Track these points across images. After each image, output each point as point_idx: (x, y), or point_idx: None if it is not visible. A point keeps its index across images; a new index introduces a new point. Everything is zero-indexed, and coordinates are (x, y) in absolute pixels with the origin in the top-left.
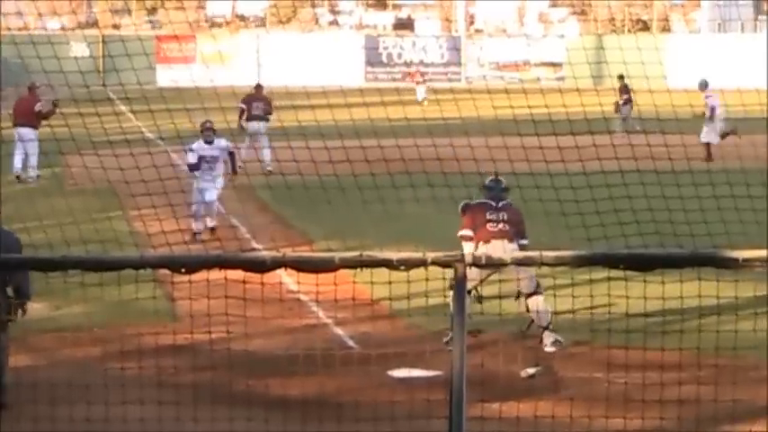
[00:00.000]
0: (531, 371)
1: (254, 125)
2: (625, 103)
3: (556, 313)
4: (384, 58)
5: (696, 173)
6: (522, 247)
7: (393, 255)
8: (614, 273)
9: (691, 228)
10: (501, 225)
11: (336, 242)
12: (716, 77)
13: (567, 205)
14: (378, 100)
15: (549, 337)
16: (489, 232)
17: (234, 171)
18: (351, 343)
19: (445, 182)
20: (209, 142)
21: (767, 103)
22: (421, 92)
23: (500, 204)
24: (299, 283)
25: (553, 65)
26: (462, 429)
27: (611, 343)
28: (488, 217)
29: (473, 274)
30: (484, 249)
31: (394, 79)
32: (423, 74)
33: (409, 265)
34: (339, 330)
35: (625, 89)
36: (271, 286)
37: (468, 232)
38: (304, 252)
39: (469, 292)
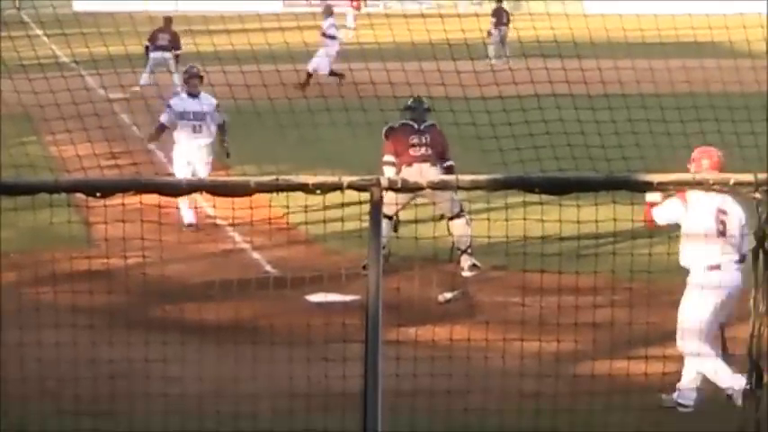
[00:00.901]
0: (448, 295)
1: (158, 55)
2: (497, 26)
3: (471, 237)
4: None
5: (611, 97)
6: (446, 169)
7: (309, 179)
8: (530, 197)
9: (605, 152)
10: (424, 149)
11: (252, 167)
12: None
13: (482, 129)
14: (294, 25)
15: (466, 261)
16: (412, 156)
17: (226, 152)
18: (267, 267)
19: (361, 106)
20: (194, 95)
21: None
22: (350, 19)
23: (422, 126)
24: (215, 207)
25: None
26: (378, 353)
27: (527, 267)
28: (411, 141)
29: (393, 199)
30: (406, 173)
31: (311, 4)
32: None
33: (325, 189)
34: (256, 255)
35: (498, 12)
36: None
37: (390, 158)
38: (220, 176)
39: (390, 217)
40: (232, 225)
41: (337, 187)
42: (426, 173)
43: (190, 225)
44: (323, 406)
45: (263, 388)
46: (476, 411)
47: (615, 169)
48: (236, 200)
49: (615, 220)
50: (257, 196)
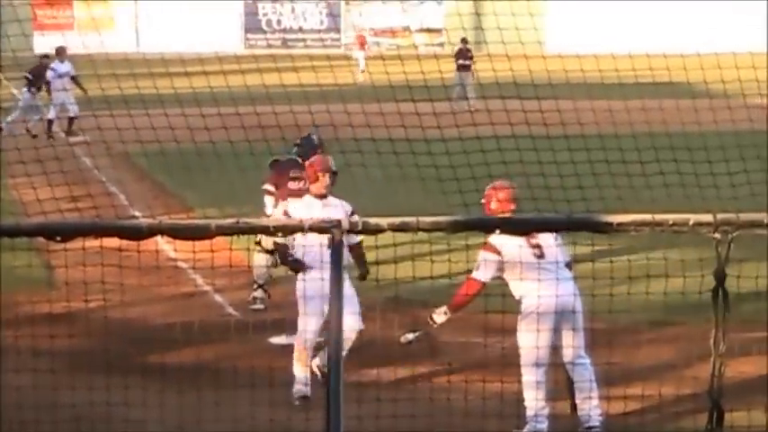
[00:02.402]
0: (410, 336)
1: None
2: (460, 69)
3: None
4: (264, 25)
5: (571, 138)
6: None
7: (270, 221)
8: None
9: (565, 193)
10: (301, 183)
11: (214, 209)
12: (599, 41)
13: (443, 171)
14: (254, 67)
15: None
16: (289, 190)
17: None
18: (229, 310)
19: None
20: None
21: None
22: (361, 60)
23: (307, 162)
24: (176, 250)
25: (432, 31)
26: (340, 395)
27: (489, 308)
28: (291, 175)
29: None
30: (281, 207)
31: (270, 46)
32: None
33: (286, 231)
34: (218, 297)
35: (463, 53)
36: (148, 254)
37: (270, 187)
38: (181, 219)
39: (272, 252)
40: (193, 268)
41: (298, 229)
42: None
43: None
44: None
45: (226, 431)
46: None
47: (575, 210)
48: (197, 242)
49: (576, 260)
50: (218, 239)
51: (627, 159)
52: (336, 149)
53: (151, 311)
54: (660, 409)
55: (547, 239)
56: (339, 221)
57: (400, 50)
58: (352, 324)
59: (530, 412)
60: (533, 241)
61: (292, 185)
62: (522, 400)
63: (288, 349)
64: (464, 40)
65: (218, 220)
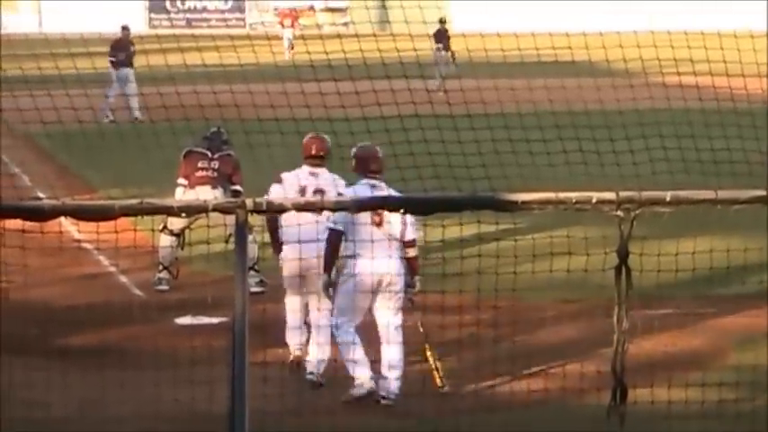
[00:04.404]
0: None
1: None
2: (439, 50)
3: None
4: (168, 5)
5: (474, 117)
6: (232, 193)
7: (173, 201)
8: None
9: (469, 171)
10: (210, 173)
11: (117, 190)
12: (505, 20)
13: (347, 150)
14: (158, 47)
15: (253, 278)
16: (197, 178)
17: None
18: (135, 291)
19: (226, 128)
20: None
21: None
22: (288, 38)
23: (216, 155)
24: (80, 231)
25: (336, 10)
26: (245, 374)
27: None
28: (200, 165)
29: (179, 220)
30: (190, 195)
31: (174, 26)
32: (294, 13)
33: (190, 212)
34: (122, 278)
35: (440, 34)
36: (52, 235)
37: (182, 181)
38: (85, 200)
39: (178, 235)
40: (98, 248)
41: (202, 210)
42: (204, 194)
43: None
44: (190, 428)
45: (130, 411)
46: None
47: (479, 189)
48: (101, 223)
49: (480, 239)
50: (122, 219)
51: (530, 138)
52: (240, 130)
53: (55, 293)
54: (564, 385)
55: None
56: (243, 201)
57: (304, 30)
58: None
59: (310, 357)
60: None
61: (199, 174)
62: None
63: (194, 330)
64: (442, 21)
65: (122, 201)
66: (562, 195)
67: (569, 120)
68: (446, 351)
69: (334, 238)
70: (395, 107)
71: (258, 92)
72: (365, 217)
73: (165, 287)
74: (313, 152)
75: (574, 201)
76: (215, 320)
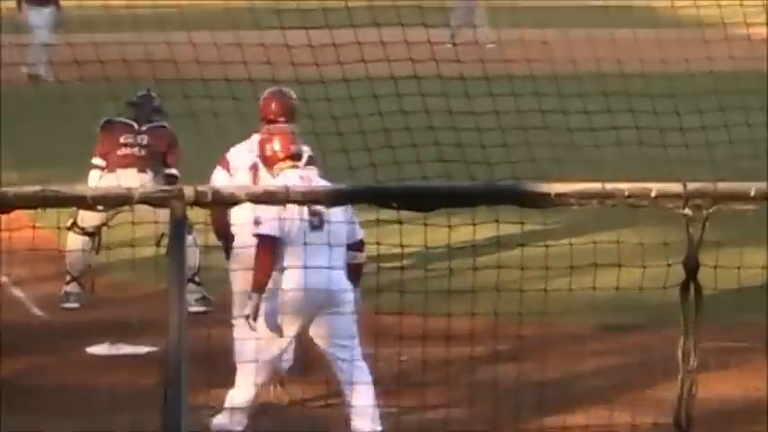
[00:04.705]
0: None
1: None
2: None
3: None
4: None
5: (494, 80)
6: (168, 179)
7: (87, 190)
8: (385, 213)
9: (486, 153)
10: (136, 150)
11: (14, 173)
12: None
13: (321, 122)
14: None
15: (193, 293)
16: (118, 158)
17: None
18: (34, 309)
19: (159, 91)
20: None
21: None
22: None
23: (145, 127)
24: None
25: None
26: (181, 422)
27: (382, 308)
28: (123, 140)
29: (93, 215)
30: (110, 180)
31: None
32: None
33: (109, 203)
34: (17, 292)
35: None
36: None
37: (98, 160)
38: None
39: (92, 234)
40: None
41: (126, 201)
42: (128, 180)
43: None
44: None
45: None
46: None
47: (499, 176)
48: None
49: (499, 244)
50: (18, 213)
51: (568, 109)
52: (178, 93)
53: None
54: None
55: (335, 210)
56: (181, 189)
57: None
58: None
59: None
60: (315, 207)
61: (121, 153)
62: None
63: (113, 362)
64: None
65: (18, 189)
66: (610, 187)
67: (621, 85)
68: (452, 395)
69: (270, 248)
70: (386, 65)
71: (203, 44)
72: (298, 215)
73: (74, 304)
74: (272, 115)
75: (626, 194)
76: (141, 350)
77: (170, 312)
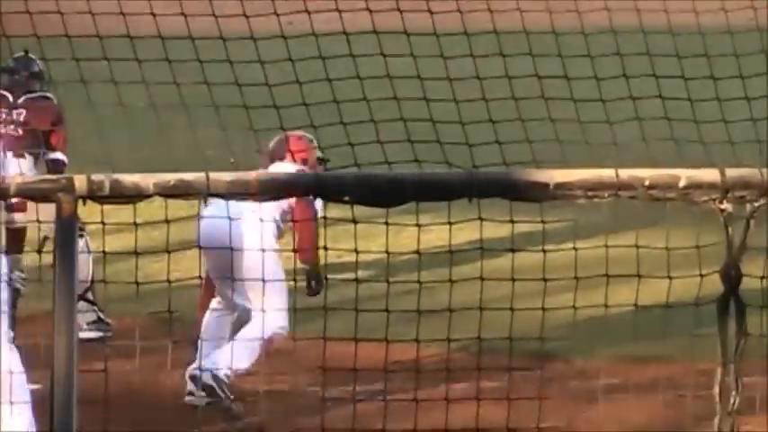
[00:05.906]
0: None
1: None
2: None
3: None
4: None
5: (476, 37)
6: (52, 165)
7: None
8: (337, 209)
9: (467, 132)
10: (11, 129)
11: None
12: None
13: (254, 93)
14: None
15: (86, 314)
16: None
17: None
18: None
19: (41, 53)
20: None
21: None
22: None
23: (22, 99)
24: None
25: None
26: None
27: (330, 333)
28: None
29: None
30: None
31: None
32: None
33: None
34: None
35: None
36: None
37: None
38: None
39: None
40: None
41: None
42: (3, 167)
43: None
44: None
45: None
46: None
47: (483, 162)
48: None
49: (483, 248)
50: None
51: (571, 75)
52: (65, 55)
53: None
54: None
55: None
56: (71, 179)
57: None
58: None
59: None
60: None
61: (2, 131)
62: None
63: None
64: None
65: None
66: (626, 175)
67: (638, 44)
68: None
69: None
70: (335, 17)
71: None
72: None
73: None
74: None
75: (647, 184)
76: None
77: (56, 340)
